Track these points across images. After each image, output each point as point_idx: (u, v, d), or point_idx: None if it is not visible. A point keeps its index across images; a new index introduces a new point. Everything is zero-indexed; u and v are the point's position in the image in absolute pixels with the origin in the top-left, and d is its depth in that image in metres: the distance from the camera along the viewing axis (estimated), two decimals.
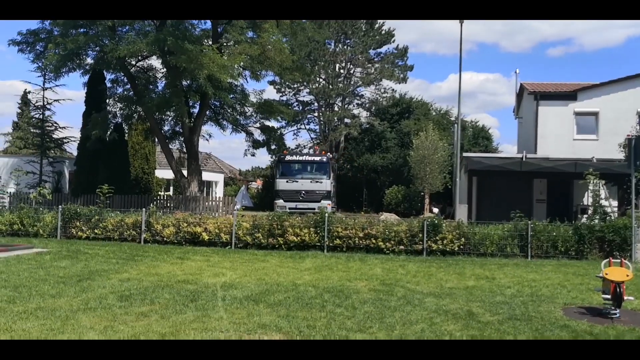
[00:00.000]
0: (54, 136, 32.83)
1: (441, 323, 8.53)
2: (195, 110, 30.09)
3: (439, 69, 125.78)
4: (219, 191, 49.31)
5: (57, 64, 25.43)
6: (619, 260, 10.28)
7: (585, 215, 20.72)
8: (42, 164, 30.89)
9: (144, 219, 19.25)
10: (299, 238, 18.37)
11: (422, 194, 41.15)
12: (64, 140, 33.26)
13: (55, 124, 32.63)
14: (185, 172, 29.66)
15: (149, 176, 39.76)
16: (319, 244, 18.30)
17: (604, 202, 29.32)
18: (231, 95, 31.57)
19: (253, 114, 32.47)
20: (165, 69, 28.14)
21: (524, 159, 27.74)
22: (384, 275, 13.41)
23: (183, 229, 19.12)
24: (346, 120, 49.01)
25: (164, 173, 42.52)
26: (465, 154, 29.98)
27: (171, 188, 45.15)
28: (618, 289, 9.19)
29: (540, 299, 10.82)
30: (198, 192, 29.68)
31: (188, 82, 28.80)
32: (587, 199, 31.06)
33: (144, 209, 19.54)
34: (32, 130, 31.99)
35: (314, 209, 28.13)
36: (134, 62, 28.74)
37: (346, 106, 49.84)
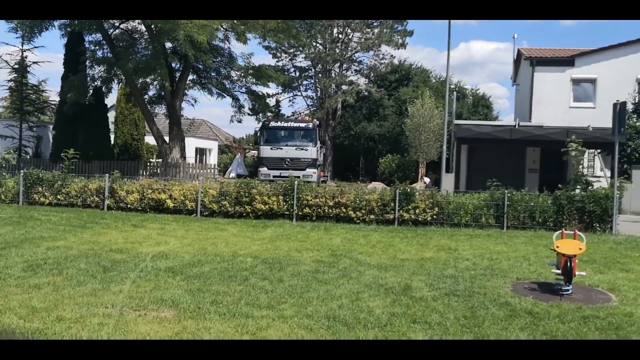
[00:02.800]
0: (34, 99, 32.01)
1: (367, 298, 7.74)
2: (179, 75, 29.19)
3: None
4: (213, 159, 48.51)
5: (31, 23, 24.51)
6: (572, 232, 9.40)
7: (579, 186, 19.76)
8: (21, 129, 30.15)
9: (107, 185, 18.50)
10: (267, 206, 17.58)
11: (418, 163, 40.20)
12: (44, 104, 32.44)
13: (34, 87, 31.77)
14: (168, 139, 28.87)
15: (139, 142, 38.97)
16: (287, 212, 17.51)
17: (599, 173, 28.39)
18: (218, 59, 30.67)
19: (241, 78, 31.51)
20: (146, 31, 27.18)
21: (516, 127, 26.70)
22: (341, 246, 12.62)
23: (147, 195, 18.36)
24: (343, 87, 47.81)
25: None
26: (456, 121, 28.94)
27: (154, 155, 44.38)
28: (569, 263, 8.33)
29: (494, 272, 9.99)
30: (180, 158, 28.90)
31: (171, 44, 27.89)
32: (584, 169, 30.15)
33: (107, 175, 18.77)
34: (10, 93, 31.07)
35: (299, 177, 27.33)
36: (115, 23, 27.75)
37: (344, 72, 48.57)
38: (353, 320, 6.64)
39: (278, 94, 48.97)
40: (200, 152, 46.47)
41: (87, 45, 28.63)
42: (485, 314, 7.22)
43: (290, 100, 51.35)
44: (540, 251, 12.64)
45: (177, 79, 29.13)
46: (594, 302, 8.12)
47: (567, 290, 8.49)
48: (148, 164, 34.14)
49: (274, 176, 27.10)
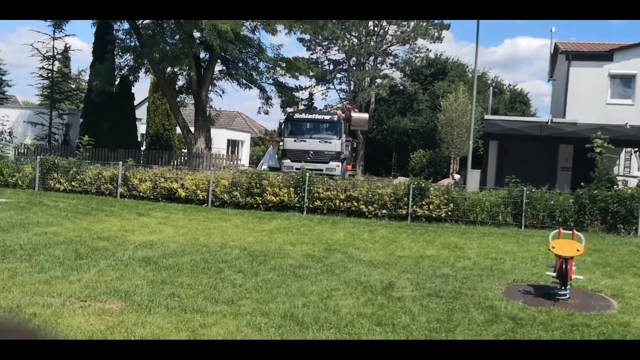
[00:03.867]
0: (64, 87, 32.27)
1: (340, 297, 7.24)
2: (206, 65, 29.02)
3: (494, 33, 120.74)
4: (245, 150, 48.36)
5: None
6: (570, 232, 8.69)
7: (617, 186, 18.70)
8: (51, 116, 30.41)
9: (120, 173, 18.37)
10: (277, 198, 17.16)
11: (450, 159, 39.29)
12: (74, 92, 32.69)
13: (64, 75, 32.02)
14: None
15: (170, 132, 39.04)
16: (298, 205, 17.08)
17: (636, 173, 27.14)
18: (247, 50, 30.37)
19: (270, 69, 31.17)
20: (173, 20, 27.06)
21: (548, 123, 25.67)
22: (341, 240, 12.12)
23: (160, 184, 18.17)
24: (377, 80, 47.07)
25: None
26: (486, 117, 28.01)
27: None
28: (564, 266, 7.67)
29: (492, 273, 9.36)
30: (205, 149, 28.75)
31: (199, 34, 27.72)
32: (619, 169, 28.84)
33: (120, 162, 18.64)
34: (41, 81, 31.41)
35: (322, 170, 26.84)
36: None
37: (378, 65, 47.83)
38: (311, 320, 6.16)
39: (311, 86, 48.58)
40: (233, 144, 46.33)
41: (116, 34, 28.70)
42: (462, 318, 6.65)
43: (323, 94, 50.70)
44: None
45: (203, 69, 28.97)
46: (591, 308, 7.44)
47: (564, 294, 7.83)
48: (180, 154, 34.15)
49: (296, 168, 26.64)
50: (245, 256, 9.59)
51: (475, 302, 7.42)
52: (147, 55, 25.62)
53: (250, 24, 27.68)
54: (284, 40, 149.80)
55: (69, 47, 32.49)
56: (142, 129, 40.84)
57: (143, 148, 35.77)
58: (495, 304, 7.35)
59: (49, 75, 30.90)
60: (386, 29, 47.31)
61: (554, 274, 7.89)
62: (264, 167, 40.78)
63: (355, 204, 16.63)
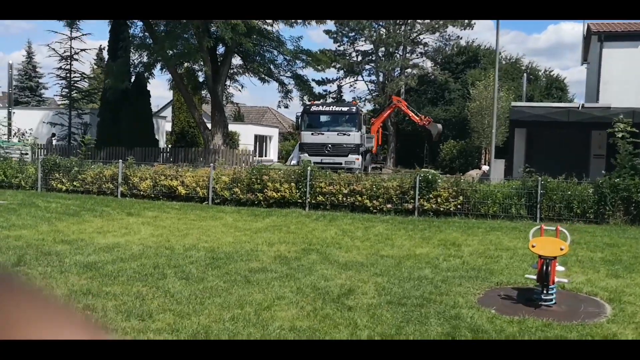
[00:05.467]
0: (81, 87, 32.16)
1: (282, 307, 6.38)
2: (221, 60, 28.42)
3: (537, 20, 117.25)
4: (273, 146, 47.77)
5: None
6: (553, 228, 7.61)
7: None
8: (70, 116, 30.31)
9: (120, 172, 17.84)
10: (279, 194, 16.36)
11: (481, 149, 37.84)
12: (93, 91, 32.56)
13: (82, 74, 31.91)
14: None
15: (195, 130, 38.69)
16: (300, 201, 16.24)
17: None
18: (265, 43, 29.63)
19: (289, 62, 30.38)
20: None
21: (579, 109, 24.19)
22: (328, 239, 11.24)
23: (160, 182, 17.58)
24: (407, 70, 45.75)
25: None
26: (512, 104, 26.61)
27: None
28: (544, 267, 6.62)
29: (478, 274, 8.35)
30: (223, 145, 28.17)
31: (214, 28, 27.13)
32: None
33: (120, 161, 18.12)
34: (58, 81, 31.32)
35: (341, 163, 25.93)
36: None
37: (407, 55, 46.49)
38: (227, 338, 5.32)
39: (339, 79, 47.54)
40: (260, 140, 45.78)
41: (129, 32, 28.33)
42: (413, 332, 5.71)
43: (351, 85, 49.60)
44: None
45: (219, 64, 28.37)
46: (576, 317, 6.41)
47: (549, 299, 6.80)
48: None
49: (314, 162, 25.75)
50: (207, 259, 8.81)
51: (440, 310, 6.46)
52: (159, 51, 25.16)
53: None
54: (306, 33, 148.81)
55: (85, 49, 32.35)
56: (167, 127, 40.68)
57: (163, 145, 35.52)
58: (462, 312, 6.38)
59: (67, 75, 30.78)
60: None
61: (534, 277, 6.86)
62: (293, 162, 40.03)
63: (359, 198, 15.70)
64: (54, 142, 30.10)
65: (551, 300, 6.81)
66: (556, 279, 6.74)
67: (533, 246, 6.81)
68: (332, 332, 5.61)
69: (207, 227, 12.48)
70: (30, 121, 31.35)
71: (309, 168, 16.40)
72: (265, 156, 44.75)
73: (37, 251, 8.95)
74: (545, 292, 6.72)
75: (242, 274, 7.88)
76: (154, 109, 52.22)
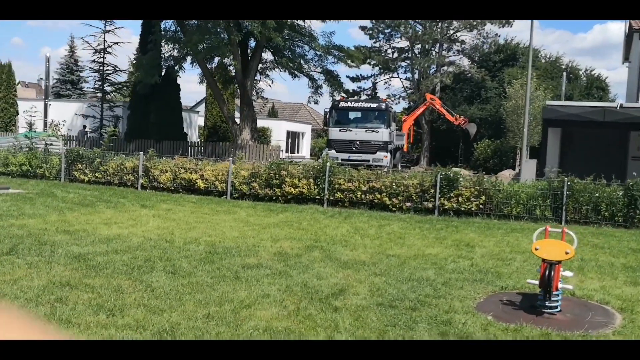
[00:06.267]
0: (113, 79, 32.43)
1: (264, 306, 6.06)
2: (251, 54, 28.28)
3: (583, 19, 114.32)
4: (305, 142, 47.51)
5: None
6: (559, 230, 7.10)
7: None
8: (102, 108, 30.58)
9: (141, 164, 17.79)
10: (297, 190, 16.07)
11: (516, 149, 36.86)
12: (125, 84, 32.79)
13: (115, 67, 32.15)
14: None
15: (227, 124, 38.74)
16: (318, 197, 15.92)
17: None
18: (296, 38, 29.36)
19: (321, 57, 30.06)
20: None
21: (617, 108, 23.24)
22: (338, 236, 10.89)
23: (180, 175, 17.47)
24: (443, 68, 44.95)
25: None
26: (547, 102, 25.76)
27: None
28: (547, 272, 6.15)
29: (484, 277, 7.89)
30: (251, 140, 28.03)
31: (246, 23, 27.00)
32: None
33: (141, 153, 18.08)
34: (92, 74, 31.60)
35: (368, 160, 25.50)
36: None
37: (444, 52, 45.68)
38: (193, 338, 5.03)
39: (374, 75, 47.00)
40: (292, 136, 45.56)
41: (162, 25, 28.38)
42: (396, 336, 5.33)
43: (385, 82, 49.00)
44: (584, 253, 10.15)
45: (249, 58, 28.24)
46: (579, 326, 5.93)
47: (553, 307, 6.33)
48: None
49: (342, 159, 25.37)
50: (203, 253, 8.55)
51: (432, 315, 6.05)
52: (188, 44, 25.14)
53: None
54: (343, 29, 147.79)
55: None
56: (200, 121, 40.79)
57: (195, 139, 35.57)
58: (455, 318, 5.97)
59: (100, 68, 31.05)
60: None
61: (536, 282, 6.40)
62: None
63: (379, 196, 15.30)
64: (88, 133, 30.46)
65: (555, 307, 6.34)
66: (560, 285, 6.26)
67: (536, 249, 6.34)
68: (308, 334, 5.27)
69: (217, 221, 12.25)
70: (66, 113, 31.79)
71: (327, 164, 16.05)
72: (297, 152, 44.51)
73: (34, 240, 8.82)
74: (547, 298, 6.25)
75: (233, 269, 7.60)
76: (191, 103, 52.73)
